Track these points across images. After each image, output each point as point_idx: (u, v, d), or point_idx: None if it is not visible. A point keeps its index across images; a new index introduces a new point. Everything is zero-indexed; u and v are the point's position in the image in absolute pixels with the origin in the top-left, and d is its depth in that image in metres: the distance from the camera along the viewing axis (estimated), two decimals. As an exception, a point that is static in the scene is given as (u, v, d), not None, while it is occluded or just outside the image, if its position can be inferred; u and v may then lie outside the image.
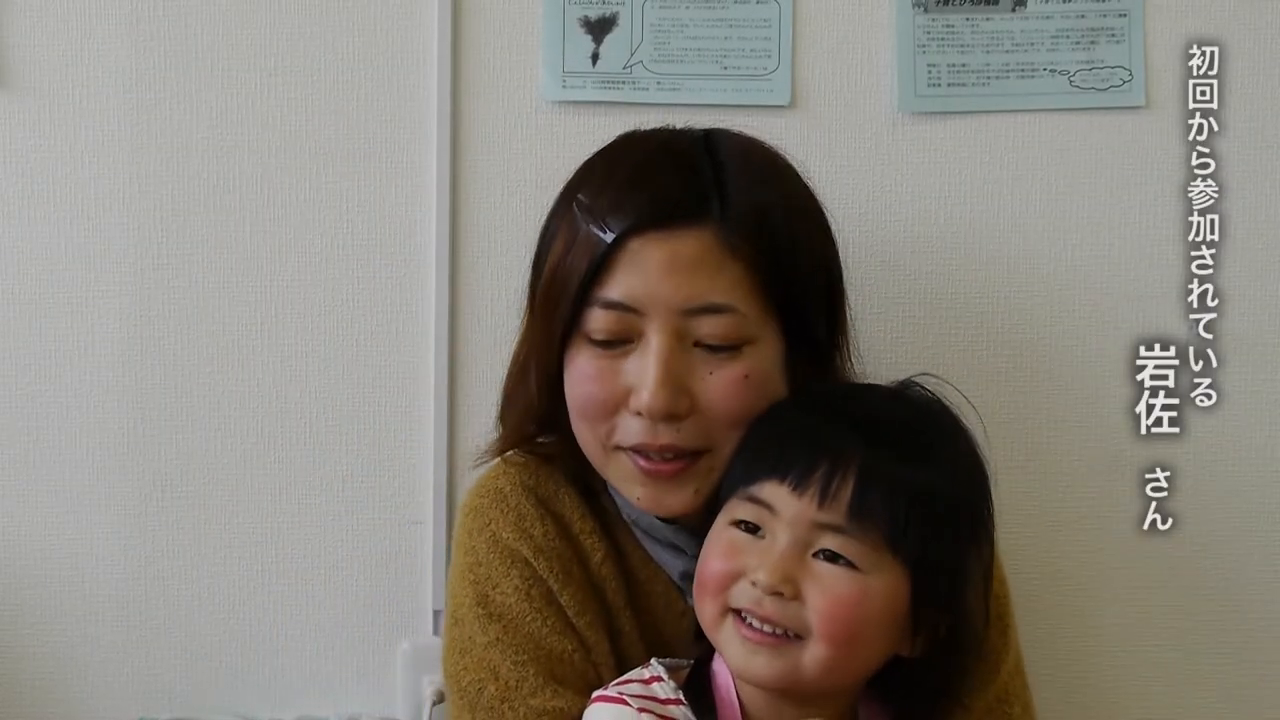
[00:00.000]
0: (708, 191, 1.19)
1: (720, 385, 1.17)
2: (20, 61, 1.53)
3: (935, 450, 1.14)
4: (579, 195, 1.22)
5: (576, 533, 1.28)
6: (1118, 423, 1.58)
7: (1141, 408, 1.58)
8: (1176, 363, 1.57)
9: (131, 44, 1.53)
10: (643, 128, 1.31)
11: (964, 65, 1.56)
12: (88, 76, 1.53)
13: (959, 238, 1.58)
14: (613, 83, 1.55)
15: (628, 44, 1.55)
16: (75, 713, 1.57)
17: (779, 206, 1.22)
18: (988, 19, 1.56)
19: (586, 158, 1.28)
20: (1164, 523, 1.59)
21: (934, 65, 1.56)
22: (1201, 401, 1.58)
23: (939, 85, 1.56)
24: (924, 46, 1.55)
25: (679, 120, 1.55)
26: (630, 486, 1.22)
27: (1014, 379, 1.59)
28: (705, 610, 1.14)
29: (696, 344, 1.17)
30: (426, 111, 1.54)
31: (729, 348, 1.18)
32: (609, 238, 1.17)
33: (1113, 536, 1.59)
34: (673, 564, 1.28)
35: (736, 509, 1.14)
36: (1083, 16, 1.56)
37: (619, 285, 1.17)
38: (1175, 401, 1.58)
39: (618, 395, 1.19)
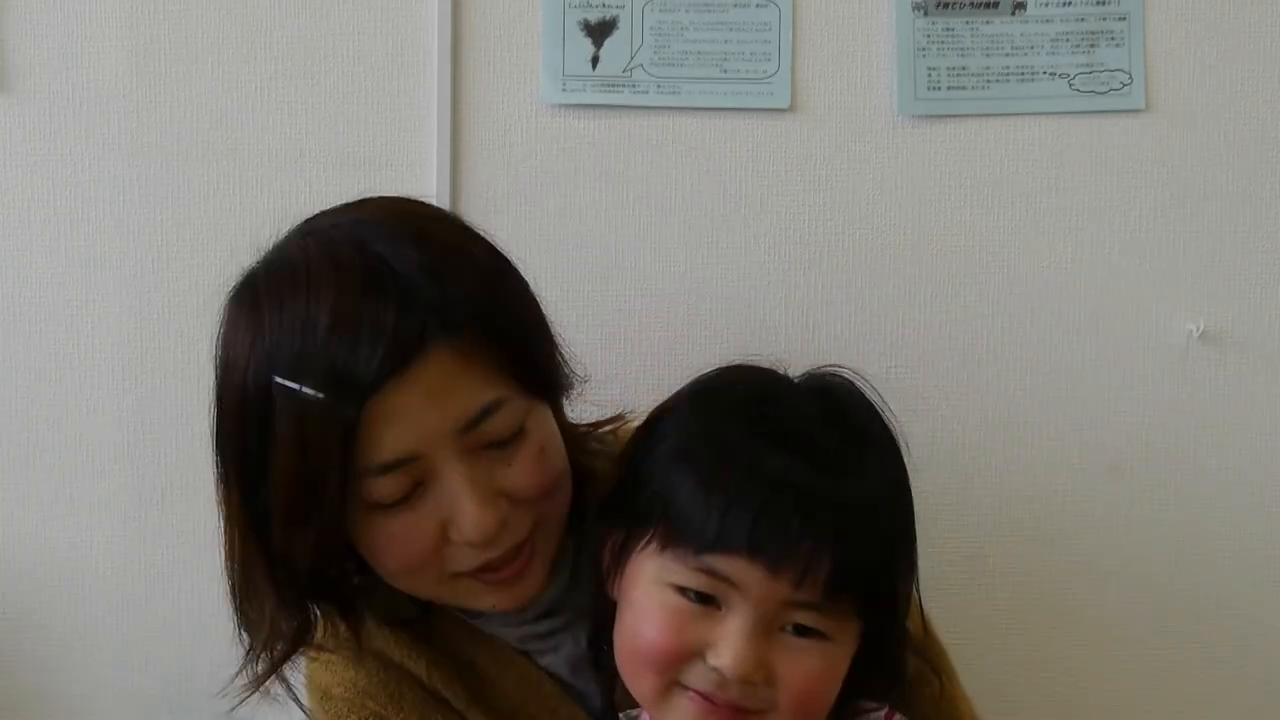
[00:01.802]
0: (416, 312, 1.03)
1: (524, 471, 1.09)
2: (20, 63, 1.53)
3: (884, 481, 1.04)
4: (278, 377, 1.03)
5: (394, 656, 1.20)
6: (1118, 423, 1.59)
7: (1142, 407, 1.58)
8: (1178, 363, 1.58)
9: (131, 45, 1.53)
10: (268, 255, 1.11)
11: (964, 68, 1.56)
12: (88, 78, 1.53)
13: (959, 241, 1.58)
14: (613, 86, 1.55)
15: (628, 47, 1.55)
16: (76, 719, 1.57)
17: (474, 281, 1.08)
18: (987, 22, 1.56)
19: (235, 308, 1.10)
20: (1164, 525, 1.59)
21: (934, 68, 1.56)
22: (1202, 401, 1.58)
23: (939, 88, 1.56)
24: (924, 50, 1.55)
25: (678, 126, 1.56)
26: (481, 600, 1.14)
27: (1014, 381, 1.59)
28: (645, 684, 1.02)
29: (485, 447, 1.07)
30: (426, 115, 1.54)
31: (513, 434, 1.08)
32: (352, 411, 1.01)
33: (1113, 538, 1.60)
34: (510, 631, 1.21)
35: (679, 574, 1.00)
36: (1082, 20, 1.56)
37: (387, 445, 1.03)
38: (1176, 401, 1.58)
39: (436, 536, 1.08)
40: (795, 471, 0.99)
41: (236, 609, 1.14)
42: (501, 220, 1.54)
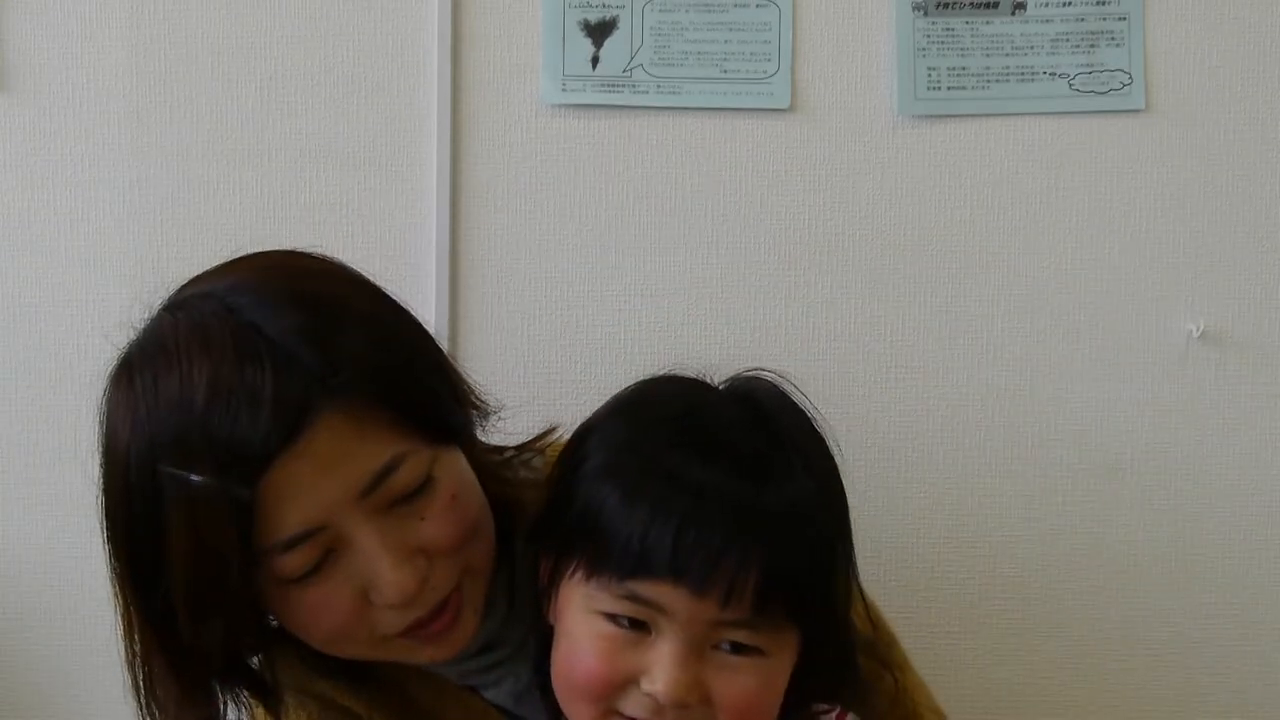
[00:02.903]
0: (297, 380, 0.97)
1: (438, 523, 1.03)
2: (20, 63, 1.53)
3: (811, 484, 1.00)
4: (161, 461, 0.97)
5: (335, 698, 1.16)
6: (1118, 424, 1.59)
7: (1142, 408, 1.58)
8: (1178, 363, 1.58)
9: (131, 45, 1.53)
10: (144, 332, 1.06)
11: (964, 68, 1.56)
12: (88, 78, 1.53)
13: (958, 241, 1.58)
14: (613, 86, 1.55)
15: (628, 47, 1.55)
16: None
17: (358, 337, 1.02)
18: (987, 22, 1.56)
19: (113, 390, 1.05)
20: (1164, 525, 1.59)
21: (934, 68, 1.56)
22: (1202, 401, 1.58)
23: (939, 89, 1.56)
24: (924, 50, 1.55)
25: (678, 126, 1.55)
26: (417, 655, 1.09)
27: (1013, 381, 1.59)
28: (581, 713, 1.00)
29: (393, 505, 1.02)
30: (427, 115, 1.54)
31: (421, 486, 1.03)
32: (244, 490, 0.95)
33: (1112, 538, 1.60)
34: (450, 670, 1.17)
35: (606, 602, 0.97)
36: (1082, 20, 1.56)
37: (288, 519, 0.98)
38: (1176, 402, 1.58)
39: (357, 601, 1.03)
40: (717, 480, 0.96)
41: (140, 705, 1.07)
42: (501, 220, 1.55)
